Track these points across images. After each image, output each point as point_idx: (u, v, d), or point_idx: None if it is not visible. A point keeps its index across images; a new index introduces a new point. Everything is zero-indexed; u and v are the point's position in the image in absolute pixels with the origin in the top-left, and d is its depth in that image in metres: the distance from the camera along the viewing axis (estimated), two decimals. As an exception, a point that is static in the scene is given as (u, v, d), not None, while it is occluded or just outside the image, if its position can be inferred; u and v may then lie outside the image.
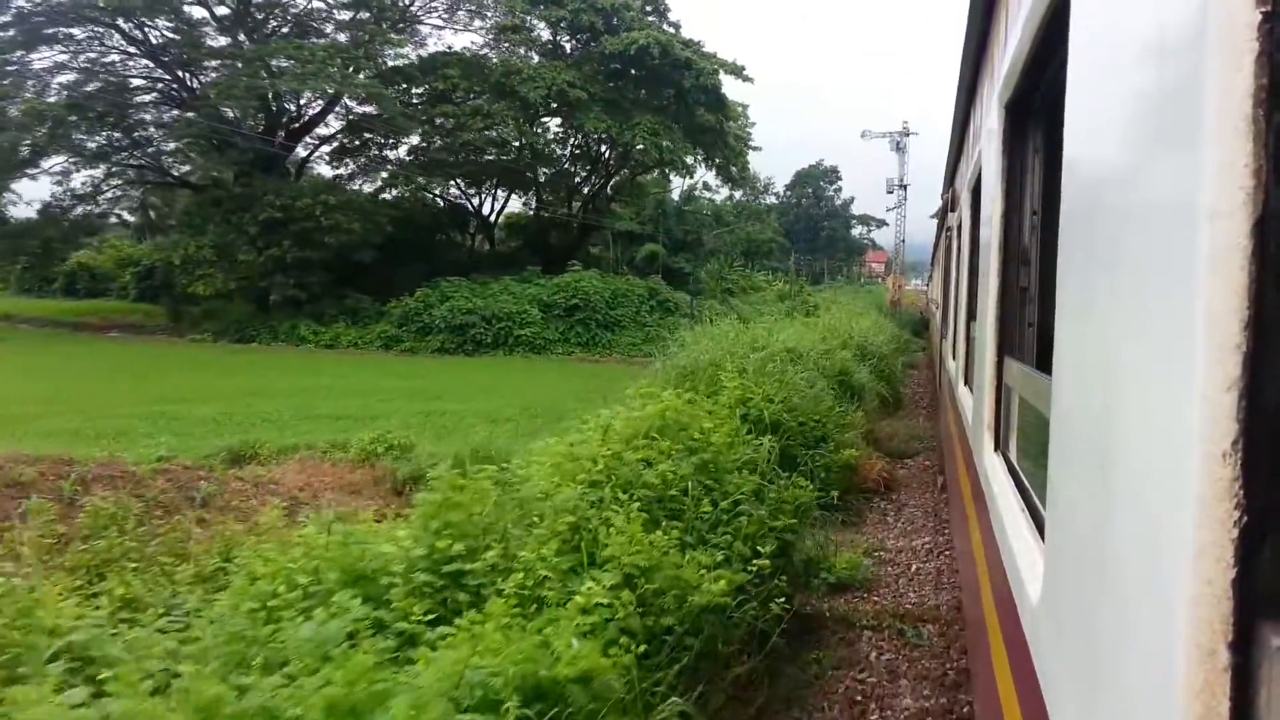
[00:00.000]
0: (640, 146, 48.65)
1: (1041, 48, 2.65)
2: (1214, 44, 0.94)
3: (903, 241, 61.44)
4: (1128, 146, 1.42)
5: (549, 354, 41.30)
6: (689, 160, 54.98)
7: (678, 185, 66.36)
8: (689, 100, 49.88)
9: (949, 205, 10.12)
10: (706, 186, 76.43)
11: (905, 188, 70.23)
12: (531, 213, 58.88)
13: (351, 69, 45.19)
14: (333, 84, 43.65)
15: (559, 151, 56.48)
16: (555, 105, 49.06)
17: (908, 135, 69.60)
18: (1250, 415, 0.90)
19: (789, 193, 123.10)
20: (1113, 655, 1.31)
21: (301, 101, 48.72)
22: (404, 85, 49.15)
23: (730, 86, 52.42)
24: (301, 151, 51.27)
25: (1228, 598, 0.91)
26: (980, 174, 4.97)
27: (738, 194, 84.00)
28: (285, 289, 43.44)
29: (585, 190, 58.57)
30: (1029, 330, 3.69)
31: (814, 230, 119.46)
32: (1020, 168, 3.78)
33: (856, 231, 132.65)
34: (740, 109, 56.64)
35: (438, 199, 56.76)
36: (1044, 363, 2.92)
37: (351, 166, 54.03)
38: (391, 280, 44.14)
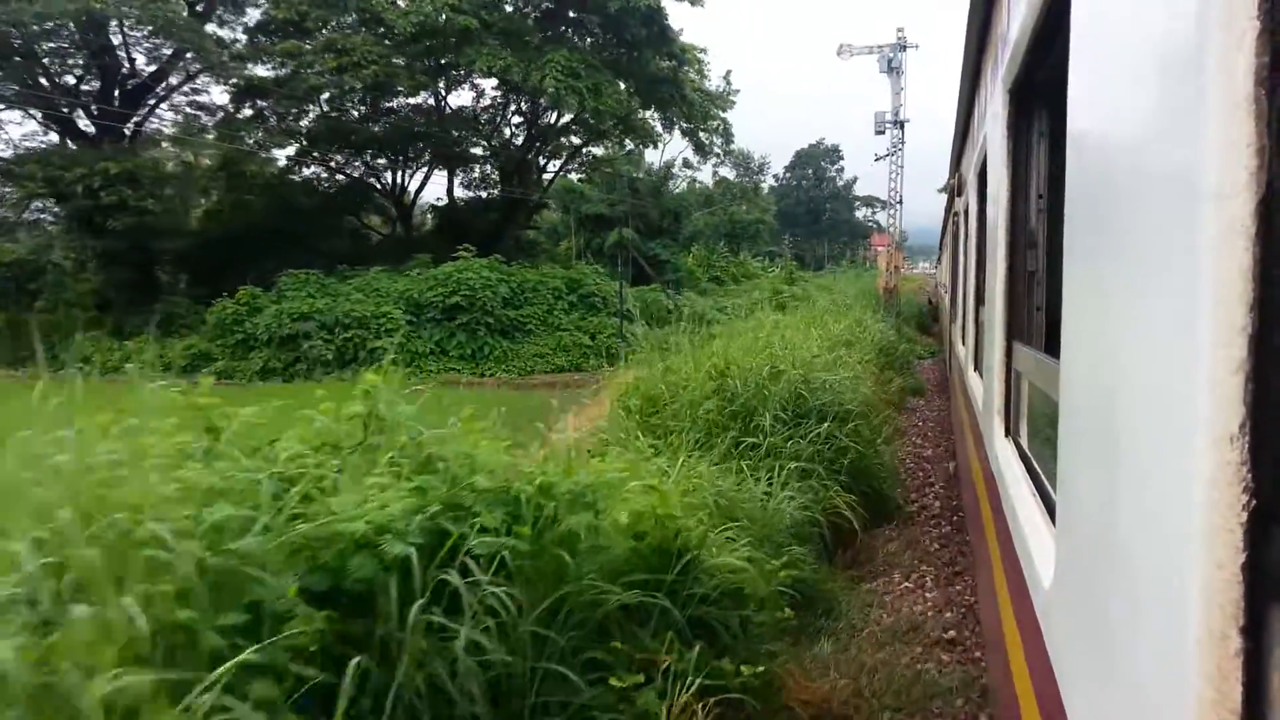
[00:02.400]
0: (551, 90, 36.39)
1: (1044, 29, 2.63)
2: (1215, 22, 0.93)
3: (899, 202, 40.27)
4: (1130, 128, 1.41)
5: (418, 371, 30.20)
6: (640, 118, 45.32)
7: (657, 161, 57.78)
8: (622, 33, 38.90)
9: (956, 189, 10.07)
10: (687, 164, 66.65)
11: (902, 125, 40.07)
12: (470, 193, 49.57)
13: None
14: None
15: (493, 118, 46.26)
16: (432, 41, 37.34)
17: (904, 49, 42.04)
18: (1257, 398, 0.89)
19: (788, 174, 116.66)
20: (1124, 640, 1.30)
21: (135, 57, 37.46)
22: (231, 17, 38.60)
23: (683, 18, 45.39)
24: (165, 124, 40.25)
25: (1238, 582, 0.90)
26: (985, 158, 4.95)
27: (728, 173, 76.28)
28: (63, 288, 33.37)
29: (538, 165, 48.20)
30: (1037, 314, 3.68)
31: (815, 213, 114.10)
32: (1025, 151, 3.76)
33: (861, 214, 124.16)
34: (698, 54, 45.91)
35: (337, 176, 45.49)
36: (1052, 347, 2.91)
37: (251, 142, 42.05)
38: (243, 279, 33.47)
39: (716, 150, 57.20)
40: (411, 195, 48.18)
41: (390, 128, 41.98)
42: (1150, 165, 1.25)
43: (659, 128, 48.44)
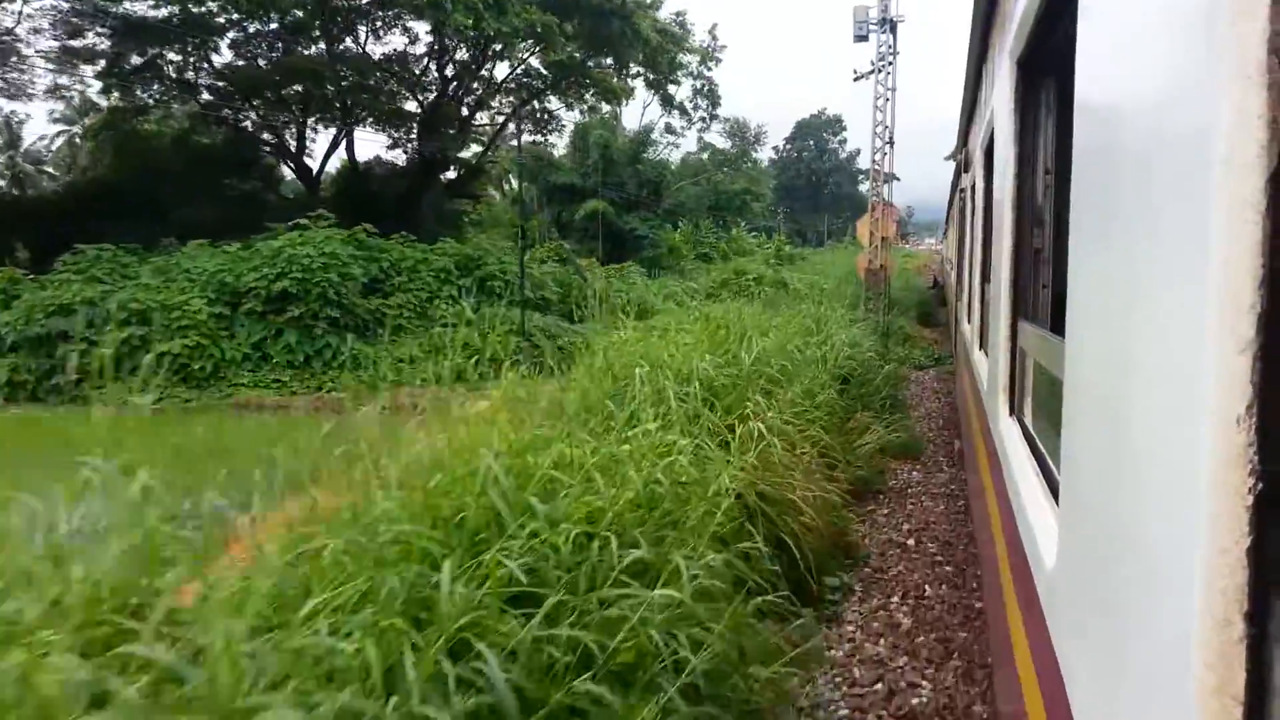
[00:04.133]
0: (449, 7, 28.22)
1: (1053, 0, 2.58)
2: None
3: (889, 143, 24.17)
4: (1139, 100, 1.37)
5: (222, 385, 22.18)
6: (593, 66, 38.37)
7: (635, 125, 51.25)
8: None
9: (963, 165, 9.99)
10: (670, 130, 61.08)
11: (894, 27, 23.99)
12: (380, 157, 41.49)
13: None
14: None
15: (421, 67, 38.21)
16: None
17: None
18: (1265, 379, 0.86)
19: (789, 146, 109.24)
20: (1126, 624, 1.29)
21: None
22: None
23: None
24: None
25: (1242, 567, 0.88)
26: (993, 133, 4.89)
27: (722, 143, 69.53)
28: None
29: (461, 121, 39.22)
30: (1043, 292, 3.65)
31: (816, 186, 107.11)
32: (1033, 126, 3.71)
33: (864, 187, 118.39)
34: None
35: (229, 129, 37.26)
36: (1059, 325, 2.88)
37: (146, 96, 34.75)
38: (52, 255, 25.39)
39: (702, 114, 51.90)
40: (320, 157, 39.63)
41: (288, 75, 33.96)
42: (1159, 138, 1.22)
43: (633, 84, 41.78)
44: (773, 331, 10.08)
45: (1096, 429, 1.61)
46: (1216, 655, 0.90)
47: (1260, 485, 0.87)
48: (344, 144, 37.95)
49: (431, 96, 38.41)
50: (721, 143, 75.56)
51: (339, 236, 25.71)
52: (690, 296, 32.86)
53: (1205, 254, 0.93)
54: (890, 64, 23.28)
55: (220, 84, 34.77)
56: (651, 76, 41.36)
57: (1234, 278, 0.88)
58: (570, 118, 45.83)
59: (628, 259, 39.13)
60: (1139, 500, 1.24)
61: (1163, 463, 1.11)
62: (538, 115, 43.89)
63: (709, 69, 53.14)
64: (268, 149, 38.41)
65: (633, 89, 43.08)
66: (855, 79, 24.43)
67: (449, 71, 38.49)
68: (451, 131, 37.36)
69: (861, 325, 15.11)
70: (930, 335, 21.91)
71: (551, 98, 42.22)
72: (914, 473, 9.26)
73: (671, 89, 43.69)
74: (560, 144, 49.32)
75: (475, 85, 39.25)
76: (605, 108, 46.44)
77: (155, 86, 34.17)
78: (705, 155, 66.71)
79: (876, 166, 23.43)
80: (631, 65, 39.45)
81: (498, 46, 35.41)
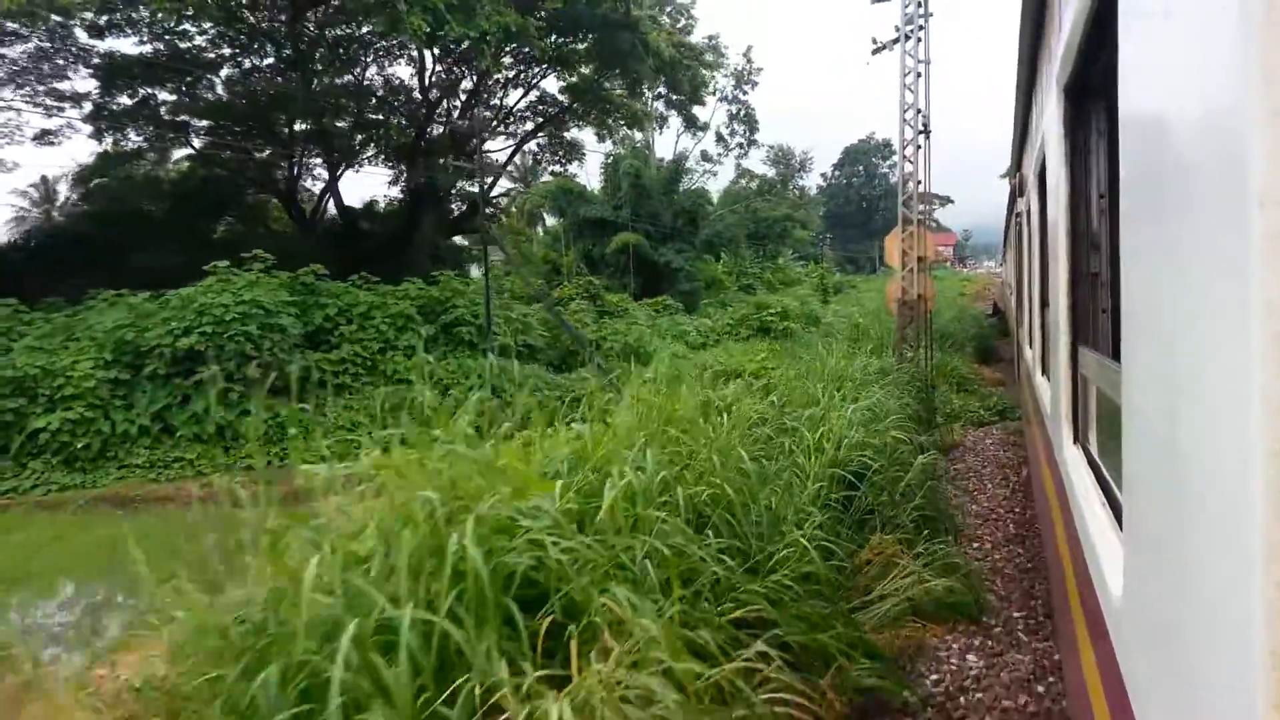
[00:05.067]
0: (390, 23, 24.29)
1: (1095, 28, 2.58)
2: (1258, 22, 0.92)
3: (923, 132, 15.16)
4: (1180, 130, 1.38)
5: (111, 466, 18.18)
6: (608, 88, 35.46)
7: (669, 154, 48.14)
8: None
9: (1017, 189, 9.87)
10: (706, 158, 58.36)
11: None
12: (404, 194, 37.47)
13: None
14: None
15: (423, 96, 34.83)
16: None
17: None
18: None
19: (837, 173, 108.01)
20: (1193, 659, 1.26)
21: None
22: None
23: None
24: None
25: None
26: (1044, 158, 4.85)
27: (763, 170, 66.28)
28: None
29: (455, 149, 34.84)
30: (1102, 317, 3.58)
31: (868, 212, 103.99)
32: (1084, 151, 3.68)
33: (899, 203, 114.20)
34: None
35: (212, 170, 33.74)
36: (1119, 350, 2.83)
37: (137, 140, 32.15)
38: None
39: (740, 140, 49.74)
40: (316, 195, 36.91)
41: (276, 107, 30.75)
42: (1199, 167, 1.22)
43: (656, 106, 39.90)
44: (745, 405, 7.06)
45: (1155, 456, 1.59)
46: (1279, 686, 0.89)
47: None
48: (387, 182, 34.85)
49: (426, 124, 35.30)
50: (763, 170, 73.29)
51: (275, 282, 21.86)
52: (703, 336, 31.45)
53: (1248, 286, 0.93)
54: (921, 27, 15.54)
55: (211, 122, 32.11)
56: (675, 98, 38.95)
57: (1276, 310, 0.88)
58: (602, 149, 43.97)
59: (663, 293, 37.58)
60: (1197, 529, 1.22)
61: (1219, 496, 1.10)
62: (556, 145, 41.68)
63: (745, 93, 51.47)
64: (252, 188, 34.98)
65: (664, 116, 41.24)
66: (875, 50, 16.54)
67: (434, 94, 35.68)
68: (443, 161, 33.18)
69: (894, 378, 11.36)
70: (992, 375, 17.32)
71: (574, 126, 40.11)
72: (969, 655, 5.06)
73: (697, 110, 41.69)
74: (592, 176, 47.62)
75: (477, 110, 35.45)
76: (638, 137, 44.55)
77: (149, 128, 31.52)
78: (744, 182, 63.51)
79: (909, 161, 15.62)
80: (649, 85, 36.19)
81: (510, 74, 33.69)
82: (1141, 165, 1.72)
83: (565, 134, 40.82)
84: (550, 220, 48.69)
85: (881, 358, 13.46)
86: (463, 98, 36.59)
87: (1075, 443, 3.76)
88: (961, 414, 13.24)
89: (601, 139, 42.33)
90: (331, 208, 36.55)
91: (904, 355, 14.51)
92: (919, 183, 15.79)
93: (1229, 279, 1.02)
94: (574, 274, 38.52)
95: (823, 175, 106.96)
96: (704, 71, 39.38)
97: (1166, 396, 1.46)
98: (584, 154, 42.77)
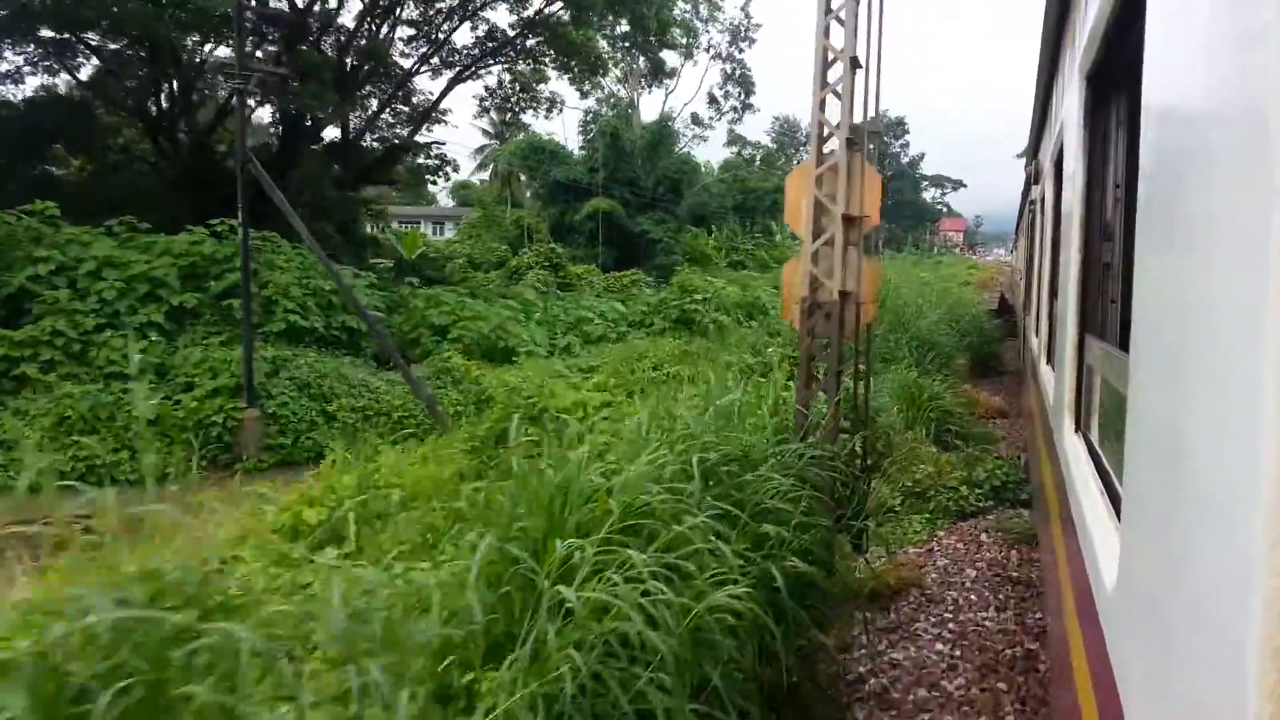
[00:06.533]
0: None
1: (1121, 15, 2.55)
2: None
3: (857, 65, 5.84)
4: (1203, 115, 1.36)
5: None
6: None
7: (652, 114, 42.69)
8: None
9: (1033, 178, 9.81)
10: (696, 120, 54.27)
11: None
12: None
13: None
14: None
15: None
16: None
17: None
18: None
19: None
20: (1184, 650, 1.27)
21: None
22: None
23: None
24: None
25: None
26: (1062, 147, 4.81)
27: (760, 140, 61.47)
28: None
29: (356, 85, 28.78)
30: (1112, 308, 3.58)
31: None
32: (1102, 140, 3.66)
33: (929, 195, 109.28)
34: None
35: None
36: (1128, 341, 2.83)
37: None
38: None
39: (734, 103, 45.50)
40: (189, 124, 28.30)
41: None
42: (1221, 157, 1.21)
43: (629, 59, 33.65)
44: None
45: (1157, 447, 1.59)
46: (1274, 686, 0.89)
47: None
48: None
49: (296, 40, 26.39)
50: (764, 140, 67.99)
51: None
52: (609, 325, 26.09)
53: (1265, 279, 0.93)
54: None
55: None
56: (639, 38, 32.55)
57: None
58: (584, 106, 38.37)
59: (639, 266, 33.36)
60: (1198, 521, 1.23)
61: (1221, 489, 1.11)
62: (529, 97, 35.13)
63: (741, 50, 46.04)
64: (112, 115, 28.25)
65: (632, 63, 34.31)
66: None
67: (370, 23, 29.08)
68: (324, 85, 25.91)
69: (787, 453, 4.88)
70: (991, 400, 12.44)
71: (526, 64, 33.35)
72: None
73: (687, 69, 36.56)
74: (573, 135, 42.07)
75: (385, 33, 29.63)
76: (620, 92, 39.94)
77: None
78: (737, 150, 58.55)
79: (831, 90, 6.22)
80: (596, 12, 30.30)
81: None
82: (1162, 154, 1.71)
83: (541, 84, 35.00)
84: (521, 180, 45.14)
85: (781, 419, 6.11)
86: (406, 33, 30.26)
87: (1076, 431, 3.76)
88: (930, 492, 7.81)
89: (583, 94, 37.21)
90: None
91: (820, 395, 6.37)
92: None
93: (1247, 271, 1.02)
94: (531, 239, 35.00)
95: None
96: (674, 6, 34.07)
97: (1174, 388, 1.46)
98: (562, 105, 37.73)
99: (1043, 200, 7.91)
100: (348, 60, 28.64)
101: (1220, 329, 1.17)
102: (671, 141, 41.98)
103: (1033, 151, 9.68)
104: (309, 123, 27.42)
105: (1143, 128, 1.92)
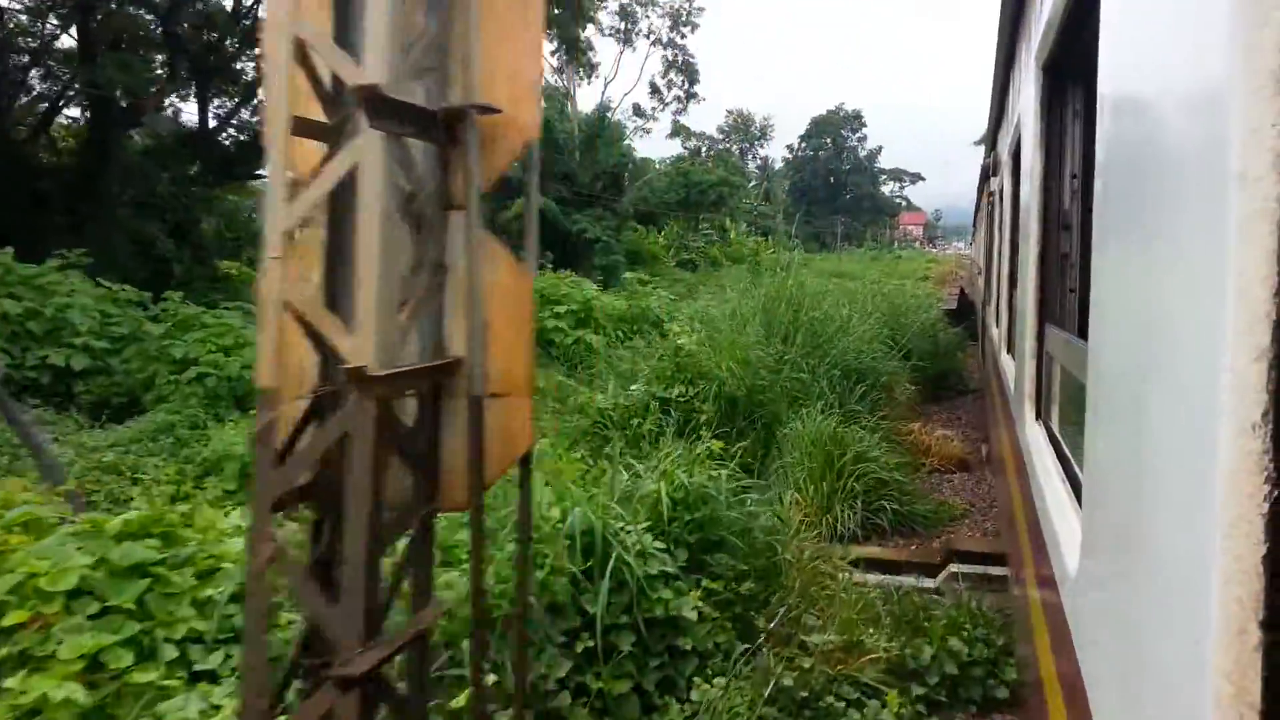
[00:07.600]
0: None
1: (1077, 6, 2.57)
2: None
3: None
4: (1158, 107, 1.37)
5: None
6: None
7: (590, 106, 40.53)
8: None
9: (991, 169, 9.92)
10: (639, 112, 50.76)
11: None
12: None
13: None
14: None
15: None
16: None
17: None
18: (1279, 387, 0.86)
19: (803, 144, 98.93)
20: (1146, 632, 1.28)
21: None
22: None
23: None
24: None
25: (1258, 575, 0.88)
26: (1019, 138, 4.86)
27: (719, 138, 60.43)
28: None
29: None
30: (1070, 297, 3.62)
31: (835, 188, 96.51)
32: (1060, 131, 3.70)
33: (887, 189, 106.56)
34: None
35: None
36: (1086, 330, 2.87)
37: None
38: None
39: (677, 92, 42.78)
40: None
41: None
42: (1178, 145, 1.22)
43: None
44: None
45: (1117, 434, 1.60)
46: (1233, 663, 0.90)
47: (1276, 493, 0.86)
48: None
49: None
50: (713, 134, 65.27)
51: None
52: None
53: (1222, 261, 0.93)
54: None
55: None
56: (556, 11, 29.20)
57: (1249, 286, 0.88)
58: None
59: (576, 268, 29.20)
60: (1157, 507, 1.23)
61: (1180, 469, 1.11)
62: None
63: (682, 36, 42.50)
64: None
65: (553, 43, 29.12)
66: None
67: None
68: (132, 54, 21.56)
69: None
70: (949, 443, 9.51)
71: None
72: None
73: (626, 55, 31.95)
74: None
75: None
76: (557, 82, 37.23)
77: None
78: (681, 141, 55.81)
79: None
80: None
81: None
82: (1119, 143, 1.72)
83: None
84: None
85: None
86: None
87: (1037, 419, 3.81)
88: (819, 702, 4.13)
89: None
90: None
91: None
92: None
93: (1204, 258, 1.02)
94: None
95: (789, 147, 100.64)
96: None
97: (1133, 375, 1.47)
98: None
99: (1001, 191, 8.00)
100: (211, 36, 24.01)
101: (1177, 316, 1.17)
102: (612, 134, 38.93)
103: (991, 143, 9.79)
104: (125, 106, 22.02)
105: (1098, 120, 1.94)
